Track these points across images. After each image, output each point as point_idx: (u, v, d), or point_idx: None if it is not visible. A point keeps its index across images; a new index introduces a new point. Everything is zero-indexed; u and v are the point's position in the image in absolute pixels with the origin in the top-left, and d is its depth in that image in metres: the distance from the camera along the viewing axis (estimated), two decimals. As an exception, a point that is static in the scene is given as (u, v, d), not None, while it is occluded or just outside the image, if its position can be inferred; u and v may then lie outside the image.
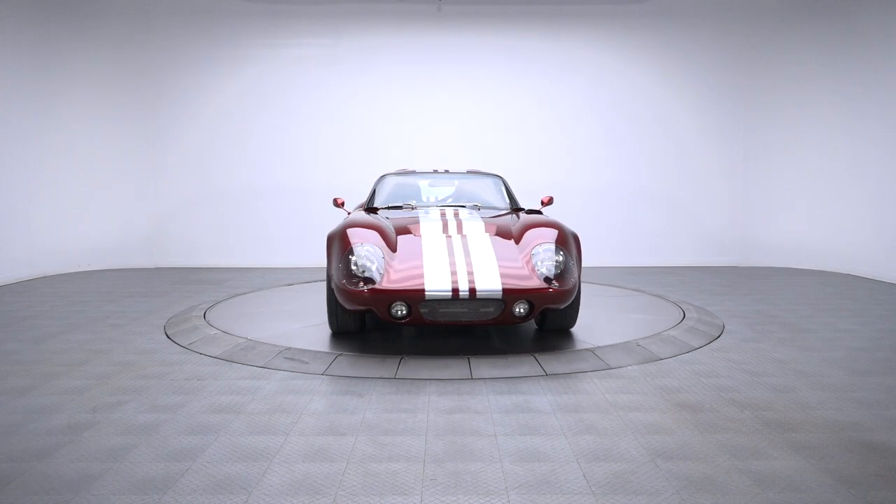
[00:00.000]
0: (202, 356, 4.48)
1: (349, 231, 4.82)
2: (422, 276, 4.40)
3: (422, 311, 4.34)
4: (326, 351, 4.47)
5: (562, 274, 4.55)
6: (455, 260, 4.55)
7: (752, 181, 9.95)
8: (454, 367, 4.12)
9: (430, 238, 4.85)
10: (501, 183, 6.57)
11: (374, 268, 4.49)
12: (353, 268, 4.50)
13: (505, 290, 4.32)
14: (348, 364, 4.19)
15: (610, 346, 4.59)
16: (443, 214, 5.43)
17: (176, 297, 6.85)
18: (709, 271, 9.24)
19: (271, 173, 9.77)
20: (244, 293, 7.03)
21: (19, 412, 3.37)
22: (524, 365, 4.18)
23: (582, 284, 7.83)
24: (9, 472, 2.66)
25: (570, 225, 9.27)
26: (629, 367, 4.21)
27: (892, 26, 8.12)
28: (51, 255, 8.76)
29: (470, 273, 4.42)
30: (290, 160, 9.77)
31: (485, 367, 4.14)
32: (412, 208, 5.82)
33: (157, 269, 9.42)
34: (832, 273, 8.93)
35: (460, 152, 9.52)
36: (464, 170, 7.17)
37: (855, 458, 2.81)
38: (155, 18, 9.56)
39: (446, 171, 6.84)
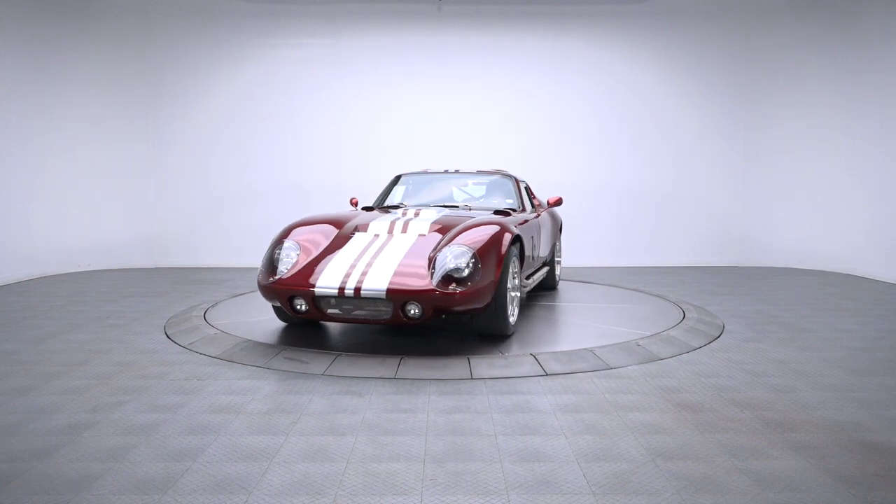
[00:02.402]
0: (202, 356, 4.48)
1: (291, 229, 4.94)
2: (319, 273, 4.46)
3: (321, 307, 4.41)
4: (326, 351, 4.47)
5: (467, 277, 4.34)
6: (360, 259, 4.56)
7: (752, 181, 9.95)
8: (454, 367, 4.11)
9: (361, 237, 4.90)
10: (511, 182, 6.52)
11: (288, 263, 4.61)
12: (271, 262, 4.68)
13: (390, 291, 4.25)
14: (348, 364, 4.19)
15: (610, 346, 4.59)
16: (404, 213, 5.43)
17: (176, 297, 6.85)
18: (709, 271, 9.24)
19: (271, 173, 9.77)
20: (244, 293, 7.03)
21: (19, 412, 3.37)
22: (524, 365, 4.18)
23: (581, 283, 7.92)
24: (9, 472, 2.66)
25: (570, 224, 9.42)
26: (629, 367, 4.21)
27: (892, 26, 8.12)
28: (51, 255, 8.75)
29: (363, 272, 4.41)
30: (290, 160, 9.77)
31: (485, 367, 4.13)
32: (407, 208, 5.82)
33: (157, 269, 9.42)
34: (832, 273, 8.93)
35: (461, 152, 9.52)
36: (473, 169, 7.13)
37: (855, 458, 2.81)
38: (155, 18, 9.56)
39: (457, 171, 6.84)
